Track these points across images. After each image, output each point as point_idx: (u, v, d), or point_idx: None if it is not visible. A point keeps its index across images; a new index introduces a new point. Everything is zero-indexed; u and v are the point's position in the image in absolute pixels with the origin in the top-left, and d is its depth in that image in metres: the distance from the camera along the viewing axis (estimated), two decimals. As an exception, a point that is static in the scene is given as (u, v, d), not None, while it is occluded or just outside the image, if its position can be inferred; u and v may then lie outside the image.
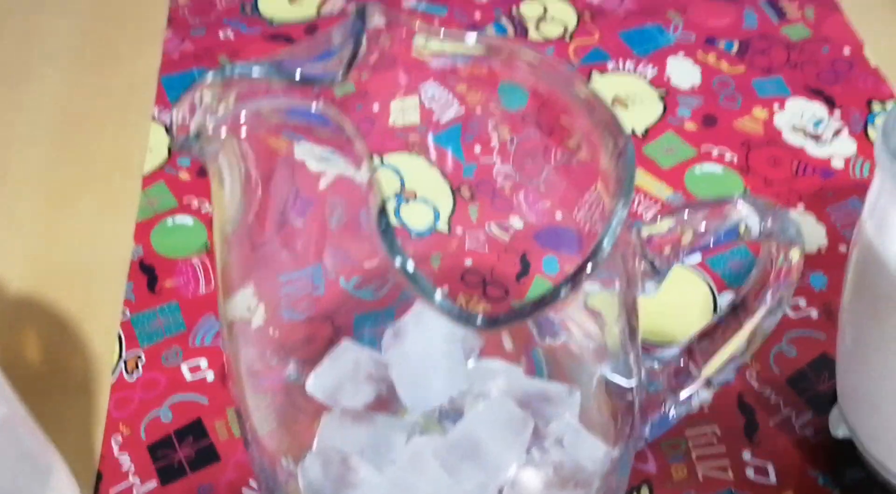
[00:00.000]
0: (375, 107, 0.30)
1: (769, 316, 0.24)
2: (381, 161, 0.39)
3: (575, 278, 0.17)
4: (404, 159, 0.36)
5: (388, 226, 0.15)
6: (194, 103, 0.17)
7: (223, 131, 0.17)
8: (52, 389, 0.36)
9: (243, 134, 0.18)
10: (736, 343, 0.25)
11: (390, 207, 0.41)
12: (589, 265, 0.17)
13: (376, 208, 0.15)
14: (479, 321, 0.16)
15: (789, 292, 0.23)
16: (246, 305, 0.26)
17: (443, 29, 0.21)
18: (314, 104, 0.16)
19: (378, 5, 0.19)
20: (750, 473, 0.32)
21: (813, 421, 0.34)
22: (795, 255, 0.22)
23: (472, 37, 0.22)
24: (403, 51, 0.22)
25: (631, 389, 0.24)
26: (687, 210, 0.22)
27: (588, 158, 0.31)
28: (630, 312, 0.22)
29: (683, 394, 0.27)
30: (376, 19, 0.19)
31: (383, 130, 0.31)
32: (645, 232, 0.22)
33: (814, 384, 0.35)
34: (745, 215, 0.21)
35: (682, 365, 0.27)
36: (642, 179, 0.42)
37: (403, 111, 0.30)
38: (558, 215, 0.32)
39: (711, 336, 0.26)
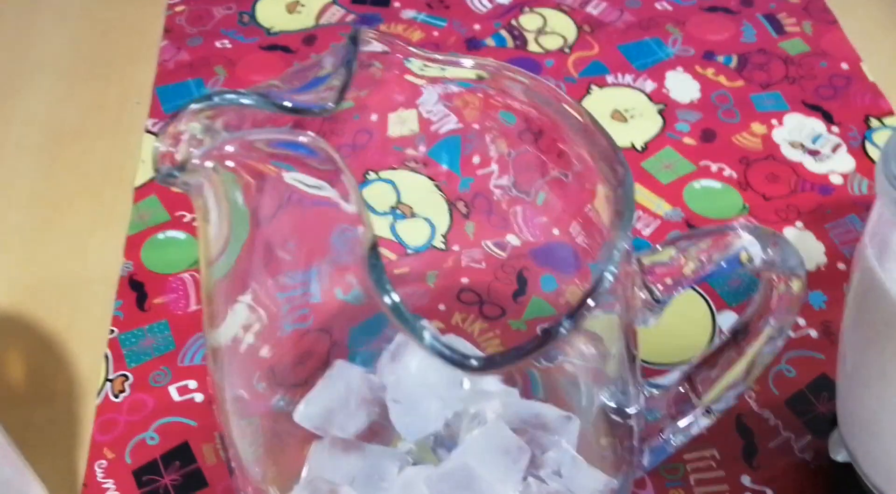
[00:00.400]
0: (373, 117, 0.30)
1: (770, 343, 0.23)
2: (378, 176, 0.38)
3: (576, 315, 0.17)
4: (400, 175, 0.35)
5: (378, 263, 0.14)
6: (179, 132, 0.16)
7: (210, 163, 0.16)
8: (34, 410, 0.35)
9: (230, 164, 0.17)
10: (736, 371, 0.25)
11: (386, 222, 0.40)
12: (590, 300, 0.17)
13: (367, 243, 0.14)
14: (473, 363, 0.15)
15: (790, 320, 0.22)
16: (237, 323, 0.25)
17: (437, 55, 0.21)
18: (303, 136, 0.16)
19: (372, 31, 0.18)
20: (749, 498, 0.32)
21: (812, 444, 0.33)
22: (797, 285, 0.21)
23: (467, 62, 0.21)
24: (397, 76, 0.21)
25: (631, 416, 0.23)
26: (688, 239, 0.21)
27: (583, 177, 0.30)
28: (629, 339, 0.21)
29: (683, 422, 0.26)
30: (371, 45, 0.18)
31: (381, 142, 0.31)
32: (646, 261, 0.21)
33: (813, 405, 0.34)
34: (746, 244, 0.21)
35: (681, 392, 0.26)
36: (641, 194, 0.41)
37: (402, 122, 0.30)
38: (555, 231, 0.32)
39: (711, 363, 0.25)
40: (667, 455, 0.27)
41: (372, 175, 0.37)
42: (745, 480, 0.32)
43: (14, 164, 0.44)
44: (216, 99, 0.16)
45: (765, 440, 0.33)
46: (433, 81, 0.22)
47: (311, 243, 0.23)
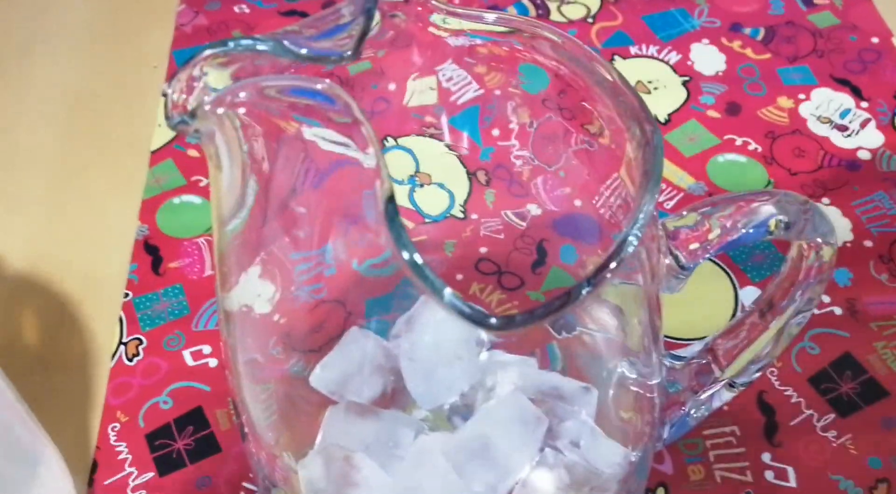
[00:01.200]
0: (392, 86, 0.29)
1: (797, 316, 0.23)
2: (396, 143, 0.37)
3: (597, 277, 0.16)
4: (419, 142, 0.35)
5: (396, 216, 0.14)
6: (193, 79, 0.16)
7: (222, 110, 0.16)
8: (49, 372, 0.35)
9: (243, 112, 0.16)
10: (761, 344, 0.24)
11: (404, 191, 0.39)
12: (613, 263, 0.16)
13: (384, 196, 0.14)
14: (493, 322, 0.14)
15: (820, 291, 0.22)
16: (250, 291, 0.25)
17: (461, 9, 0.20)
18: (319, 83, 0.15)
19: (393, -21, 0.18)
20: (769, 476, 0.31)
21: (835, 423, 0.33)
22: (828, 253, 0.21)
23: (491, 16, 0.21)
24: (420, 28, 0.20)
25: (652, 388, 0.23)
26: (715, 204, 0.21)
27: (610, 144, 0.30)
28: (653, 309, 0.21)
29: (704, 396, 0.26)
30: (392, -6, 0.18)
31: (399, 110, 0.30)
32: (671, 226, 0.21)
33: (837, 384, 0.34)
34: (776, 210, 0.20)
35: (703, 364, 0.25)
36: (664, 167, 0.41)
37: (420, 92, 0.29)
38: (577, 202, 0.31)
39: (735, 336, 0.24)
40: (687, 428, 0.27)
41: (391, 142, 0.36)
42: (766, 457, 0.32)
43: (31, 128, 0.43)
44: (231, 44, 0.16)
45: (786, 417, 0.33)
46: (456, 33, 0.21)
47: (328, 203, 0.23)
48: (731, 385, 0.26)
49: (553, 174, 0.31)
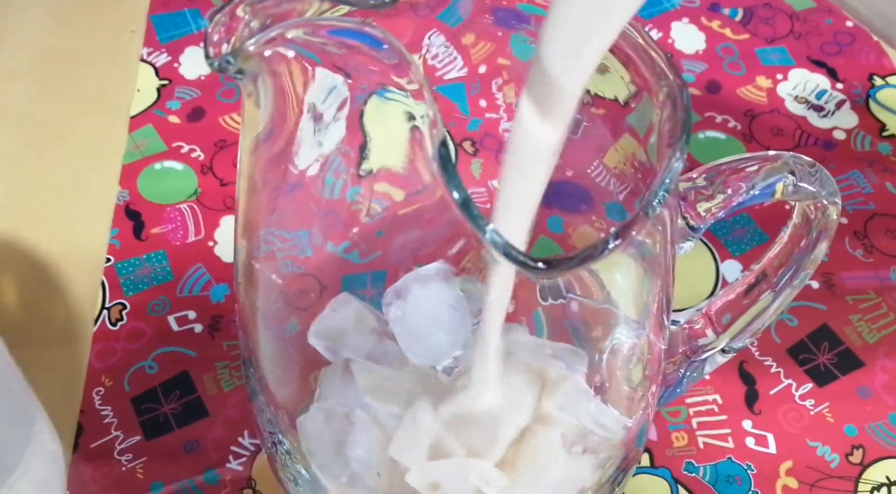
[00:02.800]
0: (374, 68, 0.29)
1: (797, 278, 0.23)
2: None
3: (626, 230, 0.16)
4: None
5: (448, 159, 0.14)
6: (235, 19, 0.15)
7: (269, 51, 0.16)
8: (29, 337, 0.34)
9: (291, 54, 0.16)
10: (759, 308, 0.25)
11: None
12: (641, 217, 0.16)
13: (438, 140, 0.14)
14: (539, 266, 0.15)
15: (824, 250, 0.22)
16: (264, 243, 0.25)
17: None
18: (368, 27, 0.15)
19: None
20: (750, 442, 0.32)
21: (813, 392, 0.34)
22: (834, 212, 0.21)
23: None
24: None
25: (657, 355, 0.23)
26: (725, 166, 0.21)
27: (604, 117, 0.30)
28: (668, 272, 0.21)
29: (698, 360, 0.26)
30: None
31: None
32: (680, 187, 0.21)
33: (814, 354, 0.35)
34: (786, 171, 0.21)
35: (698, 329, 0.26)
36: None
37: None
38: (568, 172, 0.31)
39: (733, 300, 0.25)
40: (682, 392, 0.27)
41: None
42: (747, 425, 0.33)
43: (5, 87, 0.42)
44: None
45: (766, 386, 0.34)
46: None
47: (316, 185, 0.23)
48: (723, 351, 0.26)
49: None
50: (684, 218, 0.21)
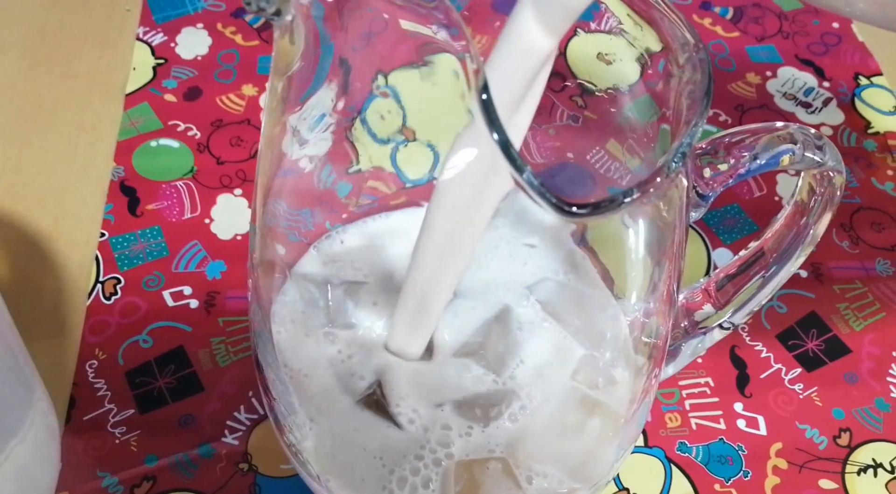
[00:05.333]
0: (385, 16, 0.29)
1: (802, 250, 0.24)
2: (386, 82, 0.37)
3: (647, 184, 0.16)
4: (410, 80, 0.34)
5: (490, 103, 0.14)
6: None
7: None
8: (20, 309, 0.33)
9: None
10: (762, 281, 0.25)
11: (386, 151, 0.39)
12: (662, 172, 0.17)
13: (479, 84, 0.14)
14: (575, 210, 0.15)
15: (828, 220, 0.23)
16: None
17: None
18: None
19: None
20: (741, 424, 0.33)
21: (802, 377, 0.34)
22: (839, 180, 0.22)
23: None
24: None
25: (666, 328, 0.23)
26: (733, 135, 0.22)
27: (596, 117, 0.31)
28: (681, 243, 0.21)
29: (697, 335, 0.27)
30: None
31: (395, 28, 0.30)
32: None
33: (803, 341, 0.35)
34: (793, 141, 0.21)
35: (697, 302, 0.26)
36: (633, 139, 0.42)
37: None
38: (570, 154, 0.32)
39: (736, 274, 0.25)
40: (679, 368, 0.28)
41: (381, 80, 0.36)
42: (738, 407, 0.33)
43: (-5, 62, 0.42)
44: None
45: (757, 370, 0.34)
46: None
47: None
48: (721, 327, 0.27)
49: (542, 131, 0.32)
50: (694, 187, 0.21)
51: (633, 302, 0.24)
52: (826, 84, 0.45)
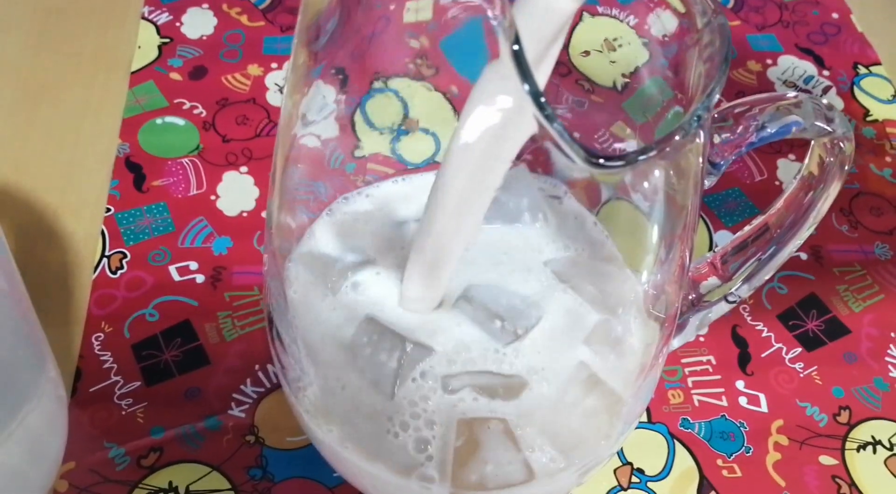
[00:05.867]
0: (392, 6, 0.29)
1: (810, 221, 0.24)
2: (385, 85, 0.37)
3: (664, 142, 0.17)
4: (408, 85, 0.35)
5: (522, 54, 0.14)
6: None
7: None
8: (26, 283, 0.33)
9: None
10: (770, 252, 0.25)
11: (387, 139, 0.39)
12: (680, 132, 0.17)
13: (512, 36, 0.14)
14: (601, 161, 0.15)
15: (839, 186, 0.23)
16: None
17: None
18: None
19: None
20: (743, 401, 0.33)
21: (802, 356, 0.35)
22: (849, 148, 0.22)
23: None
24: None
25: (676, 299, 0.23)
26: (742, 103, 0.22)
27: (602, 101, 0.31)
28: (694, 211, 0.21)
29: (703, 308, 0.27)
30: None
31: (396, 32, 0.30)
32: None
33: (803, 321, 0.36)
34: (805, 109, 0.21)
35: (703, 274, 0.27)
36: (627, 128, 0.42)
37: (417, 11, 0.29)
38: (576, 134, 0.32)
39: (743, 246, 0.26)
40: (686, 341, 0.28)
41: (379, 84, 0.36)
42: (740, 385, 0.33)
43: (1, 38, 0.42)
44: None
45: (758, 349, 0.35)
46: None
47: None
48: (727, 300, 0.27)
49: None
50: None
51: (647, 273, 0.24)
52: (826, 73, 0.46)
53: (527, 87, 0.15)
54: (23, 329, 0.24)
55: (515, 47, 0.14)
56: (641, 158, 0.16)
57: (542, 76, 0.19)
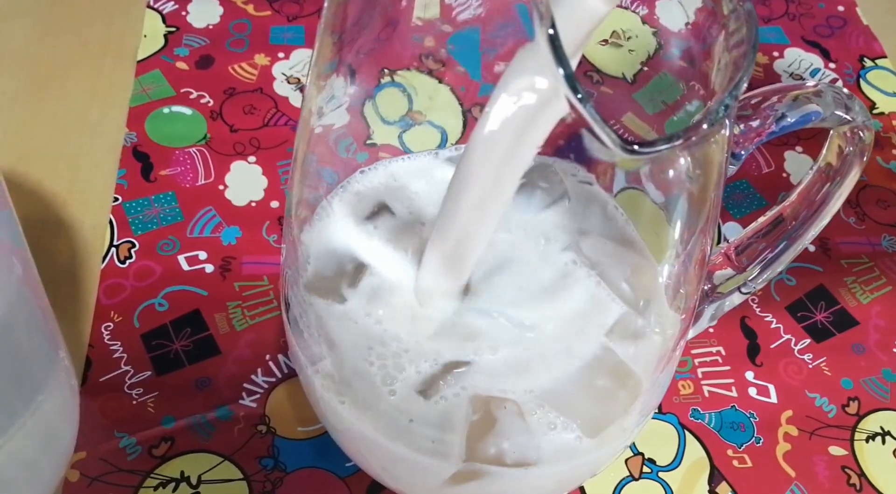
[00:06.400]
0: (403, 3, 0.29)
1: (828, 209, 0.24)
2: (392, 79, 0.37)
3: (690, 130, 0.17)
4: (415, 78, 0.35)
5: (557, 37, 0.14)
6: None
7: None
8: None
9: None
10: (785, 243, 0.25)
11: (394, 132, 0.39)
12: (706, 120, 0.17)
13: (548, 21, 0.14)
14: (634, 146, 0.15)
15: (858, 174, 0.23)
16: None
17: None
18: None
19: None
20: (752, 391, 0.33)
21: (811, 347, 0.35)
22: (868, 137, 0.22)
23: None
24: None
25: (695, 289, 0.23)
26: (761, 93, 0.22)
27: (612, 92, 0.31)
28: (717, 203, 0.21)
29: (717, 299, 0.27)
30: None
31: (404, 30, 0.30)
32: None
33: (812, 312, 0.36)
34: (825, 98, 0.21)
35: (716, 265, 0.27)
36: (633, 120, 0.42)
37: (426, 7, 0.29)
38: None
39: (758, 237, 0.26)
40: (699, 332, 0.28)
41: (386, 78, 0.36)
42: (749, 375, 0.34)
43: (4, 28, 0.41)
44: None
45: (767, 341, 0.35)
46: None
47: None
48: (741, 291, 0.27)
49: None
50: (727, 145, 0.21)
51: (668, 266, 0.24)
52: (832, 65, 0.46)
53: (562, 71, 0.15)
54: (37, 318, 0.24)
55: (551, 31, 0.14)
56: (671, 145, 0.16)
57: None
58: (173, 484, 0.29)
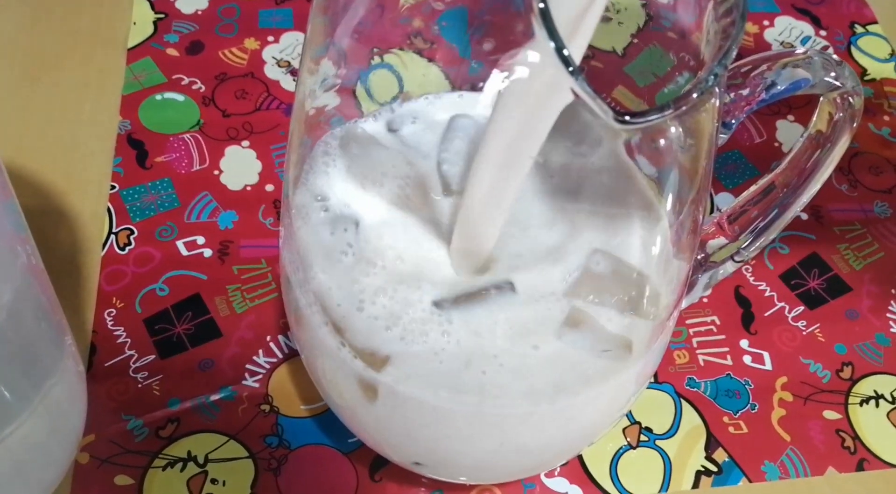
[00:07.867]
0: None
1: (818, 176, 0.24)
2: (381, 60, 0.37)
3: (681, 100, 0.17)
4: (404, 58, 0.35)
5: (548, 12, 0.15)
6: None
7: None
8: (36, 261, 0.34)
9: None
10: (777, 210, 0.26)
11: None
12: (697, 89, 0.17)
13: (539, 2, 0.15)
14: (624, 117, 0.15)
15: (848, 140, 0.23)
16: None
17: None
18: None
19: None
20: (747, 360, 0.34)
21: (805, 314, 0.35)
22: (858, 102, 0.22)
23: None
24: None
25: (691, 256, 0.24)
26: (750, 61, 0.22)
27: (602, 66, 0.31)
28: (707, 174, 0.22)
29: (711, 268, 0.27)
30: None
31: (392, 14, 0.30)
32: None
33: (805, 280, 0.36)
34: (814, 65, 0.22)
35: (709, 234, 0.27)
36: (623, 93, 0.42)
37: None
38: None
39: (750, 205, 0.26)
40: (692, 301, 0.28)
41: (376, 59, 0.36)
42: (744, 344, 0.34)
43: (-6, 18, 0.41)
44: None
45: (761, 309, 0.35)
46: None
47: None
48: (734, 260, 0.27)
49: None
50: (716, 114, 0.22)
51: (660, 237, 0.25)
52: (823, 33, 0.46)
53: (552, 44, 0.15)
54: (44, 304, 0.24)
55: (541, 5, 0.15)
56: (662, 115, 0.16)
57: (576, 50, 0.19)
58: (181, 464, 0.29)
